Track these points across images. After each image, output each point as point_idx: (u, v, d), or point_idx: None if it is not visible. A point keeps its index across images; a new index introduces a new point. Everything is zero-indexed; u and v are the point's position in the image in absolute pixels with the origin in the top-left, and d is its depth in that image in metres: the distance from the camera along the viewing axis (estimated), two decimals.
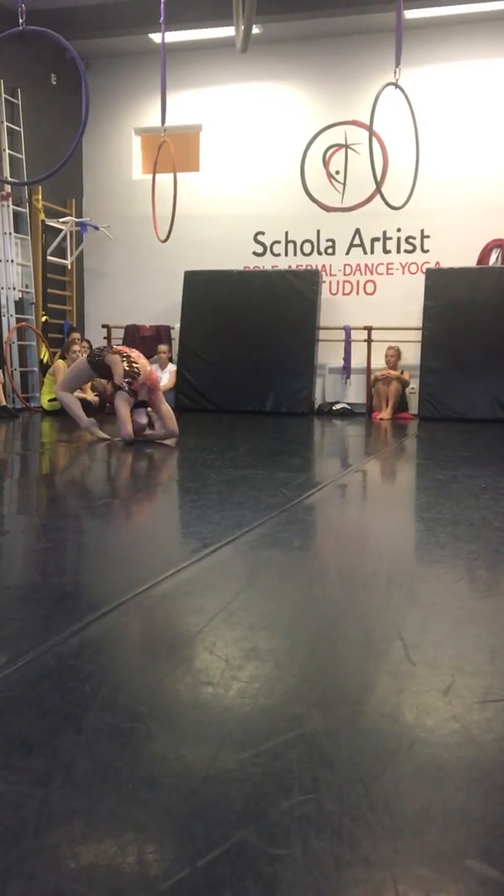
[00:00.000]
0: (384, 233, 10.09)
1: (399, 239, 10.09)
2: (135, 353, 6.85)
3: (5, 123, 9.59)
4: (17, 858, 1.15)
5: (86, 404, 9.25)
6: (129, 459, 6.05)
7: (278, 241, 10.51)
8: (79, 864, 1.15)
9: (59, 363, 9.31)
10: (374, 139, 6.53)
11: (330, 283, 10.32)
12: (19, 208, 9.88)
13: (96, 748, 1.46)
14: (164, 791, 1.33)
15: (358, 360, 9.86)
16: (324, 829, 1.22)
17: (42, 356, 10.05)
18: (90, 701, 1.65)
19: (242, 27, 5.66)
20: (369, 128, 6.48)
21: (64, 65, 10.10)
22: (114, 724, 1.55)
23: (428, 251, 9.98)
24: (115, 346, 7.32)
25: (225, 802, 1.29)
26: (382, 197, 6.65)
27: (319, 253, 10.37)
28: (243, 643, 2.00)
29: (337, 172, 10.06)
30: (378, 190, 6.60)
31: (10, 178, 9.39)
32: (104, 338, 10.77)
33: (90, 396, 9.41)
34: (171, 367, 10.23)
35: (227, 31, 9.21)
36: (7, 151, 9.60)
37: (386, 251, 10.17)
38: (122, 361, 6.64)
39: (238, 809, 1.27)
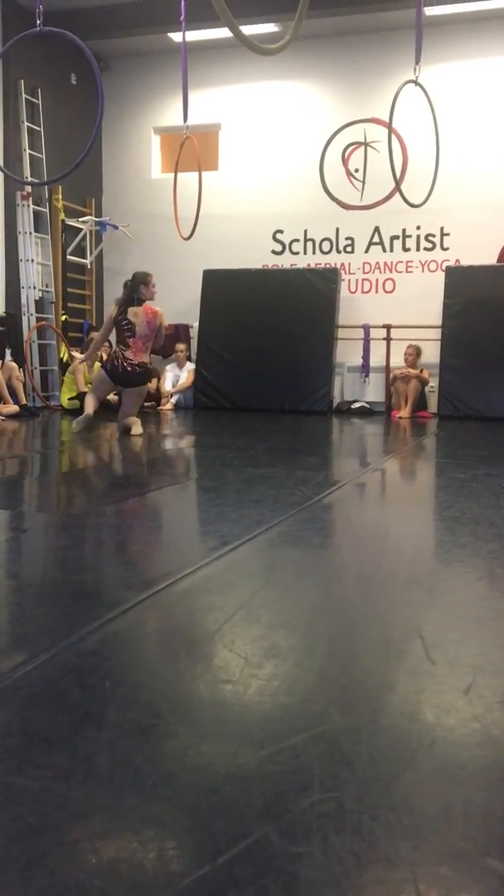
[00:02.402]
0: (403, 230, 10.04)
1: (418, 237, 10.05)
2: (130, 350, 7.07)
3: (25, 123, 9.64)
4: (39, 853, 1.16)
5: (105, 404, 9.31)
6: (148, 457, 6.07)
7: (297, 240, 10.49)
8: (100, 859, 1.16)
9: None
10: (393, 137, 6.51)
11: (349, 281, 10.29)
12: (39, 208, 9.93)
13: (117, 744, 1.47)
14: (185, 788, 1.33)
15: (377, 359, 9.82)
16: (344, 828, 1.22)
17: (62, 355, 10.10)
18: (111, 697, 1.66)
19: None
20: (388, 125, 6.46)
21: (84, 64, 10.13)
22: (134, 721, 1.56)
23: (448, 249, 9.93)
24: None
25: (245, 800, 1.29)
26: (402, 195, 6.63)
27: (338, 251, 10.34)
28: (262, 641, 2.00)
29: (356, 170, 10.03)
30: (397, 188, 6.57)
31: (29, 178, 9.44)
32: None
33: (111, 396, 9.46)
34: (190, 366, 10.25)
35: (247, 30, 9.20)
36: (27, 151, 9.65)
37: (405, 249, 10.12)
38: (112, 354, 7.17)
39: (258, 807, 1.27)
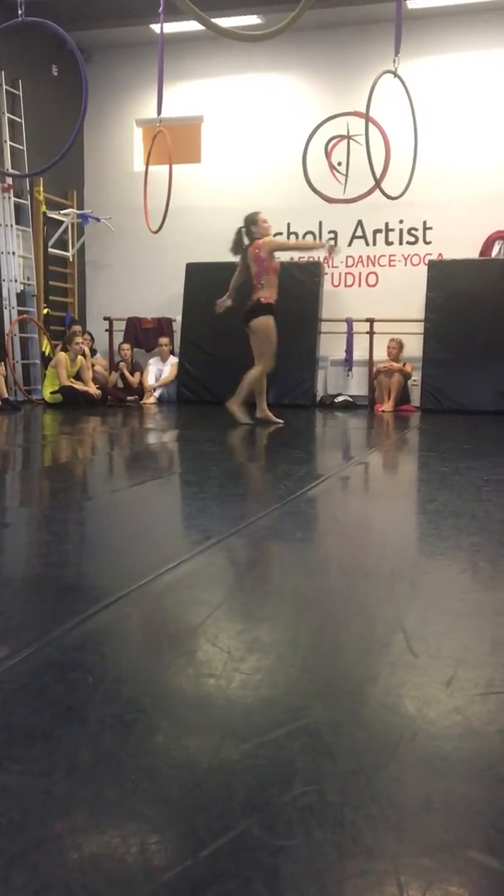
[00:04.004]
0: (386, 224, 10.06)
1: (401, 230, 10.06)
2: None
3: (6, 115, 9.56)
4: (21, 849, 1.15)
5: (88, 398, 9.28)
6: (131, 451, 6.05)
7: (280, 233, 10.47)
8: (81, 854, 1.16)
9: (61, 355, 9.32)
10: (371, 126, 6.50)
11: (332, 275, 10.30)
12: (20, 200, 9.86)
13: (99, 739, 1.47)
14: (167, 782, 1.33)
15: (360, 353, 9.84)
16: (326, 820, 1.22)
17: (44, 348, 10.05)
18: (93, 692, 1.66)
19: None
20: (366, 115, 6.45)
21: (65, 56, 10.03)
22: (116, 716, 1.56)
23: (430, 243, 9.95)
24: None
25: (227, 793, 1.30)
26: (380, 189, 6.63)
27: None
28: (245, 635, 2.00)
29: (339, 164, 10.02)
30: (377, 184, 6.57)
31: (10, 170, 9.36)
32: (105, 330, 10.76)
33: (93, 389, 9.42)
34: (173, 360, 10.23)
35: (229, 22, 9.16)
36: (8, 143, 9.57)
37: (388, 243, 10.14)
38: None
39: (240, 800, 1.28)
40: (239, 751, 1.43)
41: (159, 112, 7.39)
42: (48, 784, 1.32)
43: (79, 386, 9.35)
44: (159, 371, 10.22)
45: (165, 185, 7.98)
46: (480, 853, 1.15)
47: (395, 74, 6.26)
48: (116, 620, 2.14)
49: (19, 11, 5.66)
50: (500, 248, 9.60)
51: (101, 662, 1.83)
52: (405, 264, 10.09)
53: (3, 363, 9.12)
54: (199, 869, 1.11)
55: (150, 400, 9.92)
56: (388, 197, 6.79)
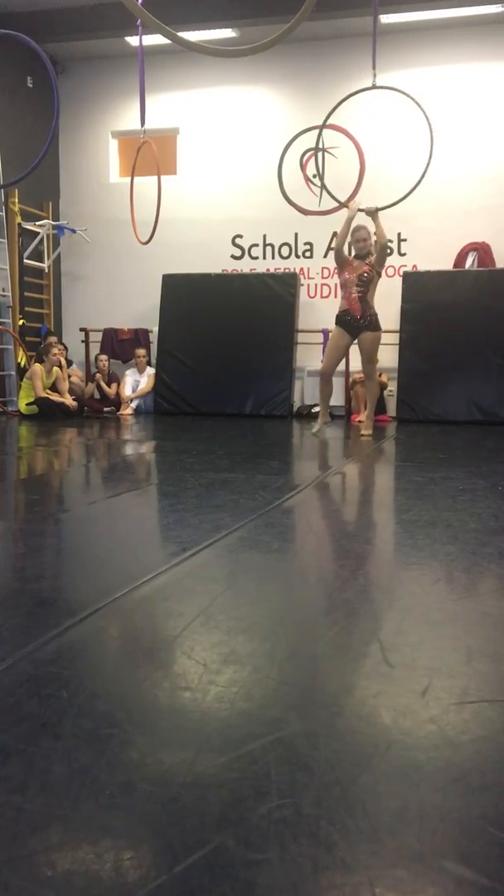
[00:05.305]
0: None
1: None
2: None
3: None
4: None
5: (64, 409, 9.24)
6: (108, 463, 6.03)
7: (256, 245, 10.52)
8: (55, 871, 1.15)
9: (36, 367, 9.27)
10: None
11: (308, 286, 10.35)
12: None
13: (74, 755, 1.46)
14: (142, 797, 1.33)
15: None
16: (301, 833, 1.22)
17: (19, 360, 10.00)
18: (67, 707, 1.65)
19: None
20: (321, 127, 6.52)
21: (41, 68, 10.05)
22: (91, 730, 1.55)
23: (405, 254, 10.03)
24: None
25: (203, 807, 1.29)
26: (347, 206, 6.71)
27: (297, 256, 10.39)
28: (221, 647, 2.00)
29: (314, 176, 10.07)
30: (345, 202, 6.65)
31: None
32: (82, 341, 10.73)
33: (69, 401, 9.39)
34: (150, 371, 10.22)
35: (204, 35, 9.22)
36: None
37: None
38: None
39: (216, 814, 1.27)
40: (214, 764, 1.43)
41: (143, 123, 7.41)
42: (21, 800, 1.31)
43: (55, 397, 9.32)
44: (136, 382, 10.21)
45: (142, 196, 7.99)
46: (455, 864, 1.16)
47: (375, 85, 6.34)
48: (92, 634, 2.13)
49: None
50: (474, 260, 9.71)
51: (75, 677, 1.82)
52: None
53: None
54: (173, 884, 1.10)
55: (127, 411, 9.90)
56: (371, 210, 6.85)
